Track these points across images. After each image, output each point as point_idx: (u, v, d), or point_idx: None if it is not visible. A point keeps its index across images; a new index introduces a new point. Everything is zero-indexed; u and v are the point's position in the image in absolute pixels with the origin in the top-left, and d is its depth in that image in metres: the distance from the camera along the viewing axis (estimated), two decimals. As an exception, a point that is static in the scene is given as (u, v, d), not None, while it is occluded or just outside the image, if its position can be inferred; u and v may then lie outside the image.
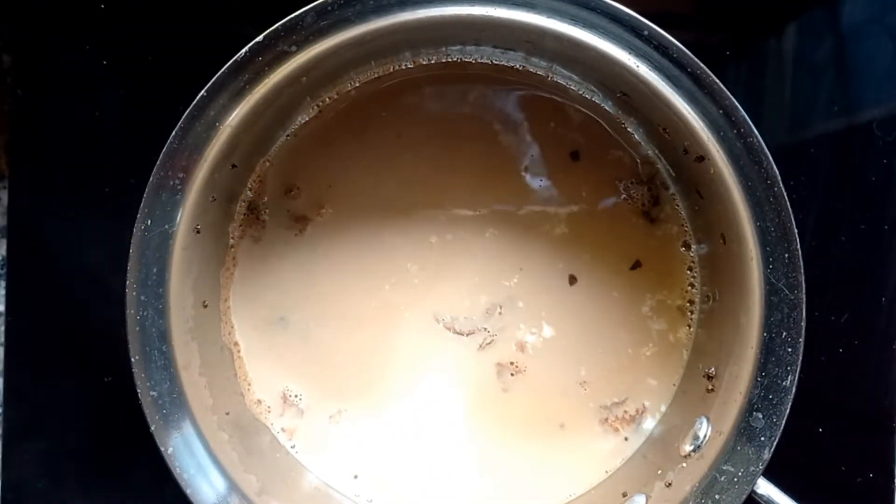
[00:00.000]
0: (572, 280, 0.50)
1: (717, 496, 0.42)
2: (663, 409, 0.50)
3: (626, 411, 0.50)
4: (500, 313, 0.50)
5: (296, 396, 0.50)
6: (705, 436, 0.44)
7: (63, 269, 0.52)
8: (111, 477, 0.52)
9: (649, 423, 0.50)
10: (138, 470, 0.51)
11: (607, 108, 0.48)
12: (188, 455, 0.43)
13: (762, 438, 0.42)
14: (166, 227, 0.43)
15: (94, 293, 0.51)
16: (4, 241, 0.53)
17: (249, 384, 0.50)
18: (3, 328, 0.52)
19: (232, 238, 0.49)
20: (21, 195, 0.52)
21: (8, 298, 0.52)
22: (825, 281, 0.51)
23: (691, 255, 0.49)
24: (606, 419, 0.50)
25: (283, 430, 0.50)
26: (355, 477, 0.50)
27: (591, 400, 0.50)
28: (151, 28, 0.51)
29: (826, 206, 0.52)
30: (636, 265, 0.50)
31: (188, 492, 0.43)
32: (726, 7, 0.52)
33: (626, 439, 0.50)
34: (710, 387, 0.46)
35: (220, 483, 0.44)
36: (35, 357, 0.52)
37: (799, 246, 0.41)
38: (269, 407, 0.50)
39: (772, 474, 0.42)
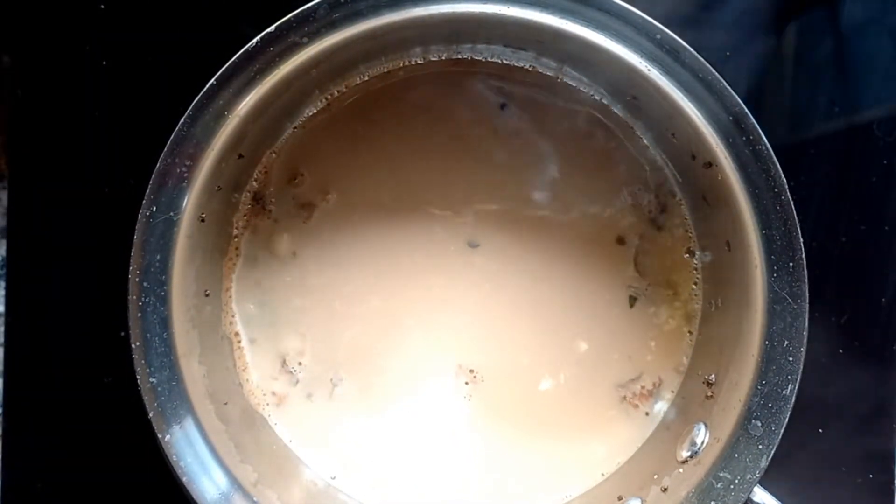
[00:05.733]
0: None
1: (713, 503, 0.43)
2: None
3: (643, 386, 0.50)
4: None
5: (294, 388, 0.50)
6: (703, 442, 0.45)
7: (63, 269, 0.51)
8: (111, 477, 0.52)
9: (665, 401, 0.50)
10: (138, 470, 0.51)
11: (616, 111, 0.48)
12: (185, 444, 0.43)
13: (760, 447, 0.42)
14: (171, 214, 0.43)
15: (94, 293, 0.51)
16: (4, 241, 0.53)
17: (248, 375, 0.50)
18: (3, 328, 0.52)
19: (236, 228, 0.49)
20: (21, 195, 0.51)
21: (8, 298, 0.52)
22: (825, 281, 0.52)
23: (695, 261, 0.49)
24: (625, 397, 0.50)
25: (280, 421, 0.50)
26: (350, 471, 0.50)
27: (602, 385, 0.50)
28: (151, 28, 0.51)
29: (826, 206, 0.52)
30: (639, 271, 0.50)
31: (184, 480, 0.43)
32: (724, 7, 0.52)
33: (646, 414, 0.50)
34: (709, 393, 0.46)
35: (216, 473, 0.44)
36: (35, 357, 0.52)
37: (804, 255, 0.41)
38: (267, 398, 0.50)
39: (772, 475, 0.42)
